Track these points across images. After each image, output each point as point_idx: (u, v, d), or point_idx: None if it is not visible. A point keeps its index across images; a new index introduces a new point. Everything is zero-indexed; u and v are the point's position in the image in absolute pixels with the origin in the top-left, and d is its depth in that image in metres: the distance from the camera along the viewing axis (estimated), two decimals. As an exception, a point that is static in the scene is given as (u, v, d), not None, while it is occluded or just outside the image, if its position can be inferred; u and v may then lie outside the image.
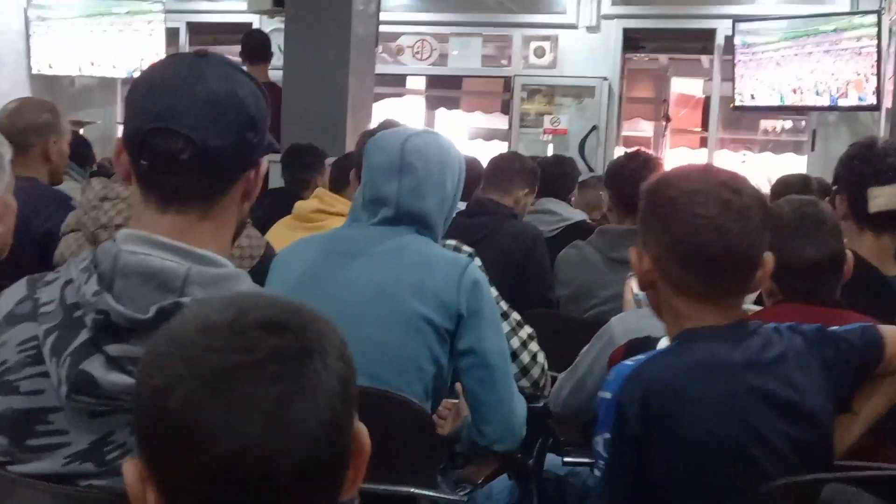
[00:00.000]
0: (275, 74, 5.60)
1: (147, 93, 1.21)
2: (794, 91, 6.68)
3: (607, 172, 3.24)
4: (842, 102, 6.40)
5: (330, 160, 3.96)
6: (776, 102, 6.85)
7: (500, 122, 10.75)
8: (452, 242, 2.25)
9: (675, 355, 1.45)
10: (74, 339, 1.13)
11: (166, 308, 1.10)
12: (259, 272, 1.86)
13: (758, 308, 1.94)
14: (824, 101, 6.51)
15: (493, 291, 2.27)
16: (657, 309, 1.53)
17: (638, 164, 3.00)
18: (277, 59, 5.63)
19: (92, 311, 1.13)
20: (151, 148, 1.19)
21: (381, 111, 9.73)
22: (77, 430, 1.14)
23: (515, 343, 2.30)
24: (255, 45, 5.43)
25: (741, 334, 1.45)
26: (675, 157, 10.69)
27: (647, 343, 1.94)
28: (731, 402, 1.39)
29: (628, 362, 1.46)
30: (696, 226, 1.41)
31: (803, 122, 9.21)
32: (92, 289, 1.14)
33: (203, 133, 1.19)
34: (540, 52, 7.89)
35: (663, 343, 1.87)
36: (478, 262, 2.15)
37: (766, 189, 6.44)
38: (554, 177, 4.01)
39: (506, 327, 2.24)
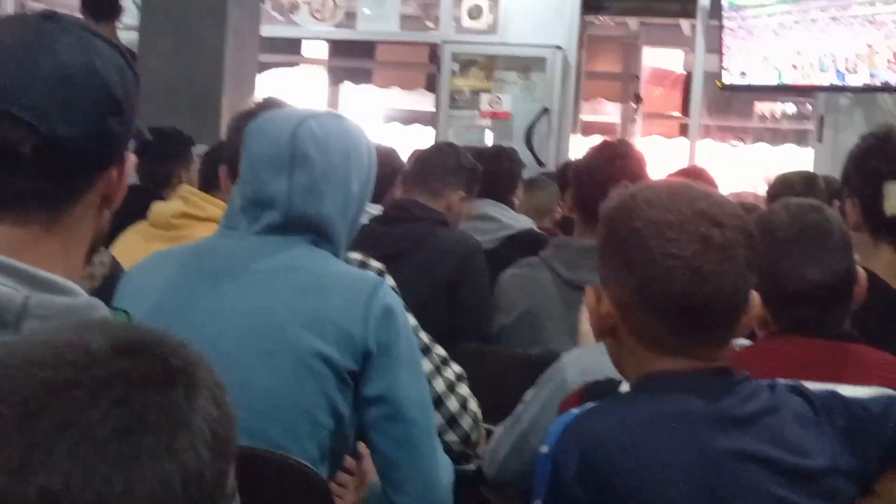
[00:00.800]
0: (128, 37, 5.53)
1: None
2: (795, 67, 6.85)
3: (568, 169, 3.27)
4: (851, 80, 6.58)
5: (199, 149, 3.93)
6: (773, 81, 7.02)
7: (424, 101, 10.81)
8: (358, 256, 2.25)
9: (628, 404, 1.47)
10: None
11: None
12: (101, 297, 1.83)
13: (748, 343, 1.98)
14: (830, 79, 6.69)
15: (412, 320, 2.27)
16: (617, 361, 1.56)
17: (606, 160, 3.04)
18: (132, 17, 5.57)
19: None
20: None
21: (269, 85, 9.71)
22: None
23: (440, 386, 2.30)
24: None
25: (719, 387, 1.46)
26: (648, 147, 10.86)
27: (608, 387, 1.96)
28: (698, 465, 1.40)
29: (574, 410, 1.47)
30: (667, 268, 1.43)
31: (809, 107, 9.45)
32: None
33: (49, 119, 1.18)
34: (475, 13, 7.96)
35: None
36: (390, 281, 2.15)
37: (762, 191, 6.59)
38: (492, 173, 4.04)
39: (427, 366, 2.23)
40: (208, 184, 3.33)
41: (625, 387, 1.89)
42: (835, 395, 1.52)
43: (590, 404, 1.48)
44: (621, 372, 1.56)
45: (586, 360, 2.28)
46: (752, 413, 1.44)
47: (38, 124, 1.17)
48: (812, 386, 1.54)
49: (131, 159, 1.30)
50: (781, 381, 1.52)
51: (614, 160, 3.06)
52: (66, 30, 1.23)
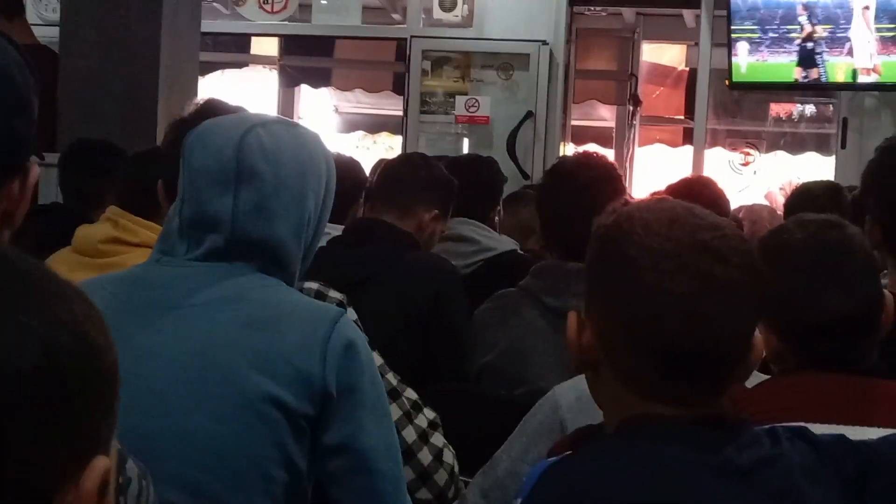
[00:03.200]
0: (47, 34, 5.52)
1: None
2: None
3: (538, 194, 3.30)
4: (863, 77, 6.66)
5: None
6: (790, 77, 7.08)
7: (390, 105, 10.81)
8: (314, 286, 2.26)
9: (610, 454, 1.45)
10: None
11: None
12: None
13: (764, 377, 1.99)
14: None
15: (377, 359, 2.27)
16: (596, 398, 1.56)
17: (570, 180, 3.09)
18: (53, 11, 5.56)
19: None
20: None
21: (212, 88, 9.71)
22: None
23: (410, 435, 2.30)
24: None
25: (713, 438, 1.44)
26: (649, 157, 10.91)
27: (601, 431, 1.97)
28: None
29: (551, 459, 1.47)
30: (660, 305, 1.42)
31: (830, 108, 9.51)
32: None
33: None
34: (448, 4, 7.99)
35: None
36: (352, 314, 2.15)
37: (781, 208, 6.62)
38: (469, 187, 4.04)
39: (395, 411, 2.23)
40: (135, 203, 3.26)
41: None
42: (843, 440, 1.50)
43: (567, 453, 1.47)
44: (600, 408, 1.56)
45: (583, 384, 2.29)
46: (752, 462, 1.42)
47: None
48: (819, 429, 1.53)
49: (35, 171, 1.28)
50: (785, 425, 1.51)
51: (580, 192, 3.11)
52: None
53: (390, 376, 2.32)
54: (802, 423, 1.55)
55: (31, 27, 5.38)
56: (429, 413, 2.37)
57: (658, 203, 1.56)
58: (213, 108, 2.52)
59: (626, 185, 9.29)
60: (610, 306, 1.47)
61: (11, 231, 1.30)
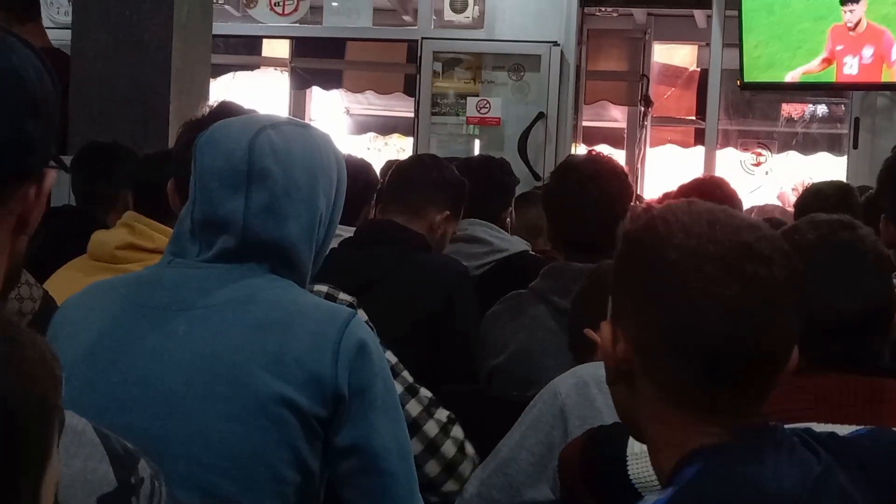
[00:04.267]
0: (59, 37, 5.53)
1: None
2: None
3: (545, 194, 3.32)
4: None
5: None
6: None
7: (401, 106, 10.82)
8: (324, 288, 2.26)
9: (713, 487, 1.39)
10: None
11: None
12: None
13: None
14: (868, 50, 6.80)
15: (391, 357, 2.27)
16: (627, 413, 1.52)
17: (576, 181, 3.10)
18: (65, 14, 5.57)
19: None
20: None
21: (224, 90, 9.72)
22: None
23: (432, 429, 2.31)
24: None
25: (769, 448, 1.42)
26: (660, 158, 10.90)
27: (616, 433, 1.97)
28: None
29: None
30: (705, 309, 1.39)
31: (842, 108, 9.50)
32: None
33: None
34: (459, 5, 7.99)
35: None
36: (363, 315, 2.15)
37: (790, 203, 6.61)
38: (481, 188, 4.05)
39: (415, 407, 2.25)
40: (146, 204, 3.26)
41: (638, 447, 1.91)
42: (834, 436, 1.50)
43: (654, 497, 1.40)
44: (632, 425, 1.52)
45: (582, 370, 2.30)
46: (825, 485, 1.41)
47: None
48: (824, 430, 1.53)
49: (51, 176, 1.29)
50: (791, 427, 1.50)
51: (585, 184, 3.12)
52: None
53: (405, 374, 2.33)
54: (809, 424, 1.55)
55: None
56: (444, 410, 2.38)
57: (691, 205, 1.50)
58: (227, 110, 2.52)
59: (637, 185, 9.32)
60: (648, 313, 1.43)
61: (27, 236, 1.30)
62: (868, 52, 6.96)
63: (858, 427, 1.57)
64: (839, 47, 7.08)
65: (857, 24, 6.98)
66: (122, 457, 1.23)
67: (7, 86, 1.22)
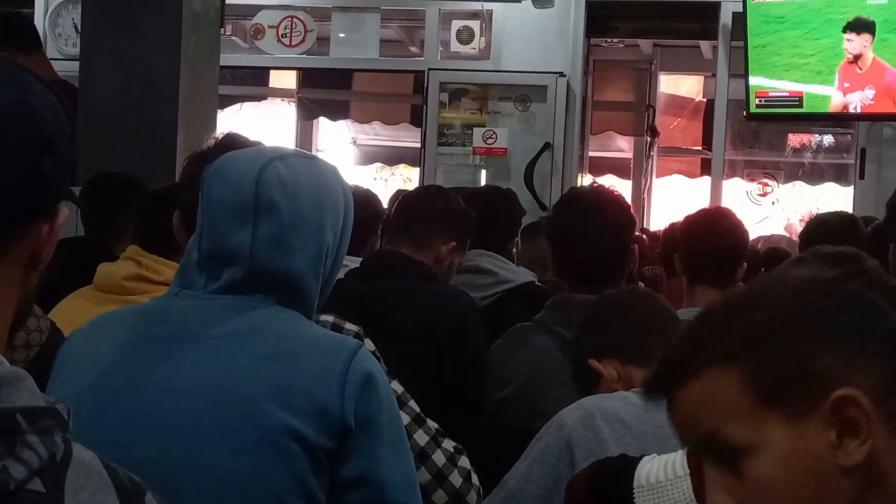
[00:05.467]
0: (67, 68, 5.56)
1: None
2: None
3: (548, 224, 3.32)
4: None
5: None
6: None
7: (408, 137, 10.85)
8: (330, 319, 2.26)
9: None
10: None
11: None
12: (38, 367, 1.82)
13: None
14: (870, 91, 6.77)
15: (398, 387, 2.27)
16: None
17: (579, 214, 3.12)
18: (73, 46, 5.59)
19: None
20: None
21: (231, 121, 9.75)
22: None
23: (440, 458, 2.31)
24: (20, 23, 5.39)
25: None
26: (666, 188, 10.92)
27: (622, 466, 1.96)
28: None
29: None
30: None
31: (848, 138, 9.51)
32: None
33: None
34: (466, 36, 8.02)
35: (654, 467, 1.90)
36: (370, 346, 2.15)
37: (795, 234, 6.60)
38: (487, 218, 4.05)
39: (422, 437, 2.25)
40: (152, 242, 3.25)
41: (649, 468, 1.90)
42: None
43: None
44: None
45: (588, 402, 2.30)
46: None
47: None
48: None
49: (64, 212, 1.29)
50: None
51: (589, 213, 3.13)
52: None
53: (412, 404, 2.32)
54: None
55: (52, 62, 5.43)
56: (450, 441, 2.38)
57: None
58: (232, 142, 2.53)
59: (644, 215, 9.33)
60: (880, 357, 1.24)
61: (38, 273, 1.30)
62: (870, 92, 6.95)
63: None
64: (846, 84, 7.07)
65: (858, 58, 6.95)
66: (128, 490, 1.21)
67: (23, 124, 1.22)
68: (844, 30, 6.94)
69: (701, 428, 1.28)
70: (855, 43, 6.91)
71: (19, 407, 1.10)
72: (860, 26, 6.86)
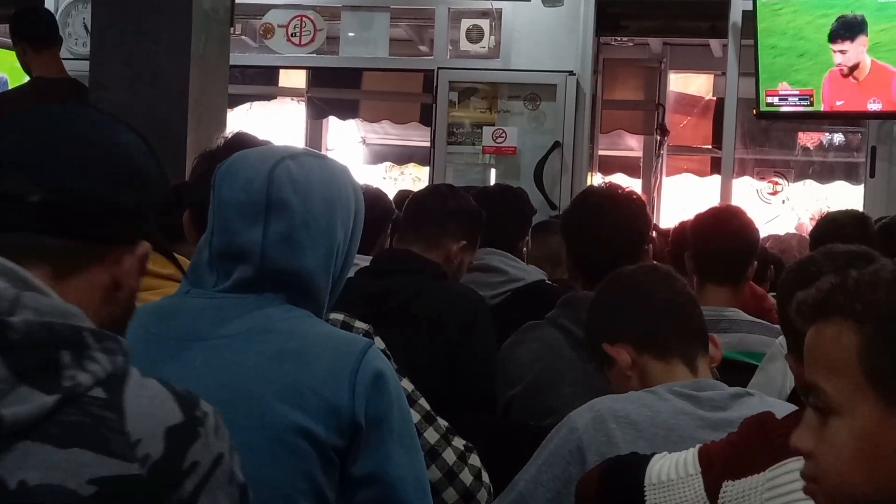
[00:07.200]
0: (77, 68, 5.57)
1: None
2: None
3: (562, 218, 3.32)
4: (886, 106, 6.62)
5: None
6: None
7: (417, 136, 10.85)
8: (340, 317, 2.26)
9: None
10: None
11: None
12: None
13: (793, 407, 1.98)
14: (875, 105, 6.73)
15: (408, 385, 2.27)
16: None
17: (592, 210, 3.11)
18: (83, 45, 5.59)
19: None
20: None
21: (241, 121, 9.76)
22: None
23: (451, 456, 2.31)
24: (36, 21, 5.40)
25: None
26: (676, 187, 10.90)
27: (634, 463, 1.96)
28: None
29: None
30: None
31: (859, 136, 9.49)
32: None
33: (60, 174, 1.37)
34: (476, 35, 8.01)
35: (665, 465, 1.90)
36: (380, 344, 2.15)
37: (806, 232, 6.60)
38: (497, 217, 4.04)
39: (433, 435, 2.25)
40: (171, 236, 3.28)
41: (660, 466, 1.90)
42: None
43: None
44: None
45: (599, 404, 2.29)
46: None
47: (49, 177, 1.37)
48: None
49: (145, 247, 1.45)
50: None
51: (603, 205, 3.13)
52: (95, 110, 1.45)
53: (422, 402, 2.32)
54: None
55: (63, 61, 5.43)
56: (461, 439, 2.38)
57: None
58: (241, 141, 2.54)
59: (654, 214, 9.32)
60: None
61: (123, 299, 1.45)
62: (876, 105, 6.81)
63: None
64: (839, 102, 6.89)
65: (854, 68, 6.81)
66: (184, 397, 1.36)
67: (110, 157, 1.41)
68: (831, 39, 6.81)
69: (813, 369, 1.32)
70: (850, 53, 6.78)
71: (87, 327, 1.30)
72: (849, 28, 6.76)
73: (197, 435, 1.34)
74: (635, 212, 3.21)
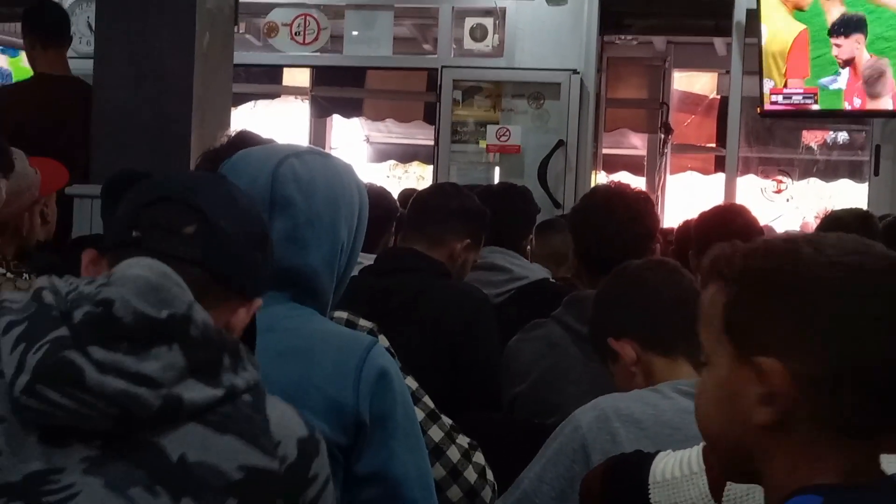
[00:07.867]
0: (81, 66, 5.57)
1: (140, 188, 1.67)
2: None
3: (571, 214, 3.32)
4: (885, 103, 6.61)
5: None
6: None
7: (421, 134, 10.85)
8: (344, 315, 2.26)
9: None
10: (50, 331, 1.38)
11: (178, 315, 1.43)
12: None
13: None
14: (886, 102, 6.72)
15: (412, 383, 2.27)
16: (773, 463, 1.37)
17: (601, 203, 3.11)
18: (87, 44, 5.58)
19: (88, 303, 1.40)
20: (149, 219, 1.56)
21: (245, 119, 9.76)
22: (13, 454, 1.34)
23: (455, 454, 2.31)
24: (48, 18, 5.40)
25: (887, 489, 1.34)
26: (680, 185, 10.89)
27: (637, 461, 1.96)
28: None
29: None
30: (882, 331, 1.31)
31: (863, 135, 9.48)
32: (90, 287, 1.43)
33: (217, 214, 1.56)
34: (480, 33, 8.01)
35: (669, 463, 1.89)
36: (384, 342, 2.15)
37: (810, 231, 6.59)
38: (501, 215, 4.05)
39: (437, 433, 2.25)
40: None
41: (664, 464, 1.90)
42: None
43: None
44: (743, 455, 1.38)
45: (603, 402, 2.29)
46: None
47: (206, 211, 1.55)
48: None
49: (257, 304, 1.64)
50: None
51: (611, 200, 3.13)
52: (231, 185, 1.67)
53: (426, 400, 2.32)
54: None
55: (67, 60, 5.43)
56: (464, 437, 2.38)
57: (825, 234, 1.42)
58: (245, 140, 2.54)
59: (658, 213, 9.31)
60: (818, 340, 1.31)
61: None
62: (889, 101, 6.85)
63: None
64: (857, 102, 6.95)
65: (851, 61, 6.83)
66: (305, 416, 1.59)
67: (252, 218, 1.62)
68: (830, 34, 6.84)
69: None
70: (845, 47, 6.83)
71: (238, 340, 1.54)
72: (849, 26, 6.79)
73: (318, 451, 1.57)
74: (644, 210, 3.22)
